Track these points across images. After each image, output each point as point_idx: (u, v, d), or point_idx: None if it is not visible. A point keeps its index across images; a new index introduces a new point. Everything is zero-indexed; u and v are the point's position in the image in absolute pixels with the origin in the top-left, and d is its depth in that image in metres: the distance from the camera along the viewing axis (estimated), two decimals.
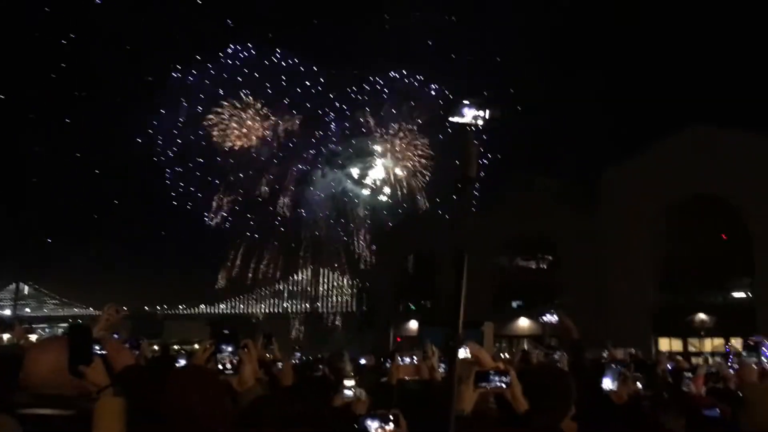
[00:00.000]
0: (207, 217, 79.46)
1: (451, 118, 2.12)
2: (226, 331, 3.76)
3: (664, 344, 39.27)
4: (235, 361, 3.65)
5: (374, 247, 69.87)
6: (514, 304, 45.83)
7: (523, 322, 44.58)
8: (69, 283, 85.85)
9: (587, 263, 40.82)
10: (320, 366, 9.76)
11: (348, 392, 4.50)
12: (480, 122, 2.14)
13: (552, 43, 79.40)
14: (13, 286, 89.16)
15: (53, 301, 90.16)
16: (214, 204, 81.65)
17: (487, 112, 2.14)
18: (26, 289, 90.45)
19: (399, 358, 6.05)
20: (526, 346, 35.89)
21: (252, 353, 3.81)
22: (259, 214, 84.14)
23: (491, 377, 3.66)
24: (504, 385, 3.67)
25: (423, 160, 71.28)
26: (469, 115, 2.14)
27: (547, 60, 79.41)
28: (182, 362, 6.36)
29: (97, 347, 3.16)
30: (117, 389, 2.97)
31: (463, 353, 4.46)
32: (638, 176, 39.80)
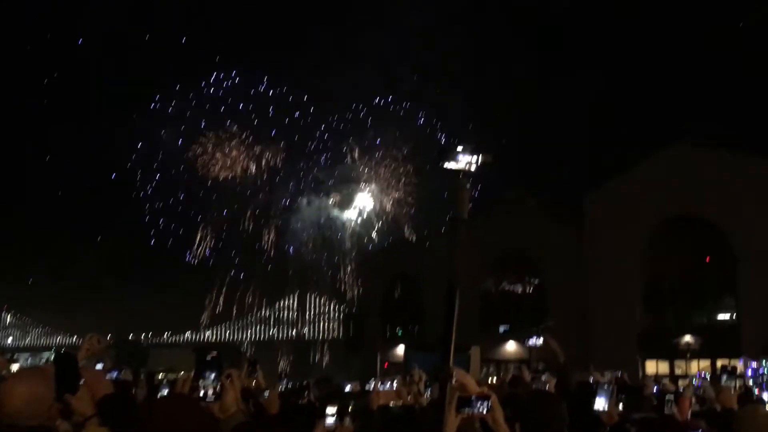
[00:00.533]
0: (190, 254, 79.50)
1: (444, 165, 2.20)
2: (208, 358, 3.76)
3: (651, 366, 39.34)
4: (217, 388, 3.65)
5: (358, 273, 69.91)
6: (501, 329, 45.79)
7: (510, 347, 44.53)
8: (52, 312, 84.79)
9: (573, 285, 40.92)
10: (306, 393, 9.74)
11: (330, 419, 4.53)
12: (473, 168, 2.22)
13: (539, 60, 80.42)
14: None
15: (36, 330, 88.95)
16: (198, 238, 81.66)
17: (480, 157, 2.23)
18: (8, 319, 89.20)
19: (379, 384, 6.09)
20: (512, 371, 35.95)
21: (234, 381, 3.81)
22: (243, 247, 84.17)
23: (473, 402, 3.73)
24: (486, 410, 3.74)
25: (407, 188, 71.73)
26: (462, 161, 2.22)
27: (534, 78, 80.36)
28: (165, 391, 6.33)
29: None
30: (100, 419, 2.99)
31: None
32: (622, 197, 40.13)
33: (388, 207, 78.99)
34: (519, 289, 47.12)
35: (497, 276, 46.68)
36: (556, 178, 70.07)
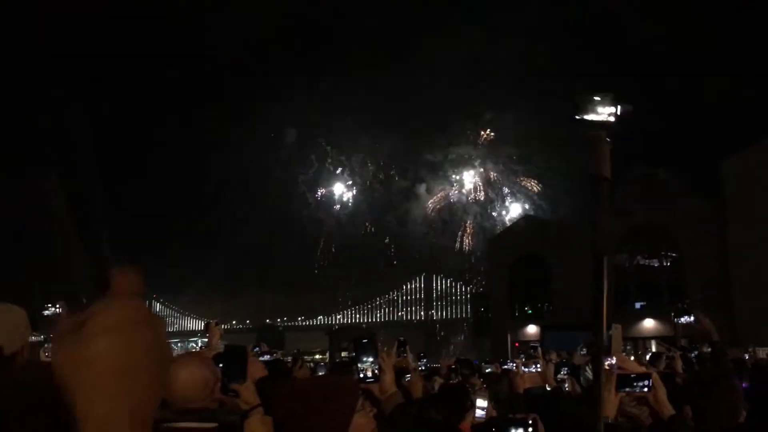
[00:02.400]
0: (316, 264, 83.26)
1: (580, 116, 2.02)
2: (365, 341, 3.79)
3: None
4: (375, 370, 3.69)
5: (484, 254, 69.34)
6: (638, 305, 43.93)
7: (648, 323, 42.65)
8: (194, 300, 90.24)
9: (713, 258, 38.66)
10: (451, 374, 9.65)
11: (480, 412, 4.39)
12: (612, 119, 2.02)
13: (669, 27, 75.90)
14: (146, 304, 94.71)
15: (182, 318, 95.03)
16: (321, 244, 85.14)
17: (619, 108, 2.03)
18: (157, 307, 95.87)
19: (522, 368, 5.92)
20: (654, 348, 34.25)
21: (389, 362, 3.84)
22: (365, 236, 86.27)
23: (634, 382, 3.54)
24: (647, 389, 3.54)
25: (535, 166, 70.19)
26: (601, 111, 2.03)
27: (665, 45, 76.09)
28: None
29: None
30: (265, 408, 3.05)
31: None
32: (762, 163, 37.32)
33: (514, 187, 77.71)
34: (655, 263, 44.97)
35: (631, 251, 44.78)
36: (691, 147, 66.01)
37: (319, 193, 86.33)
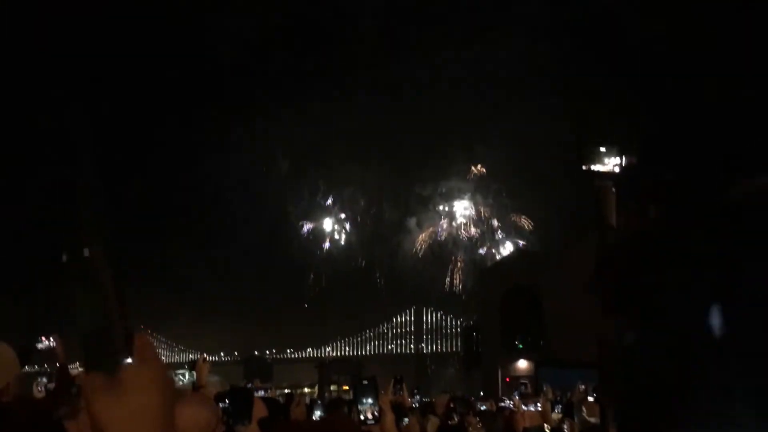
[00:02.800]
0: (306, 296, 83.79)
1: (587, 166, 2.04)
2: (365, 382, 3.77)
3: None
4: (376, 412, 3.66)
5: (475, 286, 69.36)
6: None
7: None
8: (181, 332, 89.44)
9: None
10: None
11: None
12: (617, 170, 2.04)
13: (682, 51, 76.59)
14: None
15: (169, 349, 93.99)
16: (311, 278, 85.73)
17: (624, 159, 2.05)
18: None
19: (522, 406, 5.86)
20: None
21: (389, 403, 3.82)
22: (357, 267, 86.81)
23: None
24: None
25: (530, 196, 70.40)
26: (607, 163, 2.05)
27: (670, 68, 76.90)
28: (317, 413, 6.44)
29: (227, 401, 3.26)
30: None
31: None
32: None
33: (507, 218, 78.07)
34: None
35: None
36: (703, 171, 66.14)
37: (307, 228, 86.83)
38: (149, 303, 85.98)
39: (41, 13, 77.60)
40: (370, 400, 3.67)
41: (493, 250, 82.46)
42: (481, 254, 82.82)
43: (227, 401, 3.04)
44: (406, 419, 5.13)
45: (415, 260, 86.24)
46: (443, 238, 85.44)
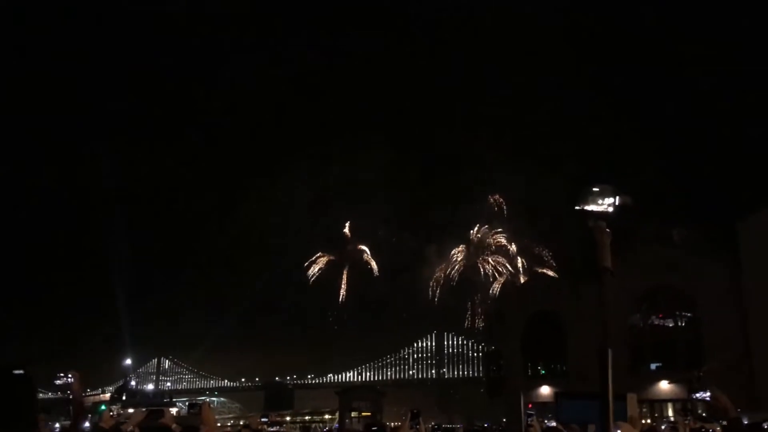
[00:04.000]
0: (330, 314, 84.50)
1: (580, 206, 2.01)
2: (374, 429, 3.73)
3: None
4: None
5: (497, 312, 68.82)
6: (653, 366, 43.01)
7: (664, 385, 41.67)
8: (203, 357, 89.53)
9: (731, 318, 37.94)
10: None
11: None
12: (611, 209, 2.01)
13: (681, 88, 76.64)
14: (154, 361, 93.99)
15: (190, 375, 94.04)
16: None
17: (618, 199, 2.02)
18: (166, 364, 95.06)
19: None
20: (671, 413, 33.46)
21: None
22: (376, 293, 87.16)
23: None
24: None
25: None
26: (600, 203, 2.02)
27: (677, 106, 76.70)
28: None
29: None
30: None
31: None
32: None
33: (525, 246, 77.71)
34: (670, 323, 44.22)
35: (645, 311, 44.09)
36: (702, 208, 65.64)
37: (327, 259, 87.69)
38: (173, 331, 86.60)
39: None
40: None
41: (513, 278, 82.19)
42: (501, 281, 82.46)
43: None
44: None
45: (436, 287, 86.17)
46: (462, 266, 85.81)
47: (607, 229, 2.05)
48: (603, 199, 2.06)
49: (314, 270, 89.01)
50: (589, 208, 2.05)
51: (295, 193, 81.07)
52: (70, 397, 6.26)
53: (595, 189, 2.07)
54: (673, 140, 72.26)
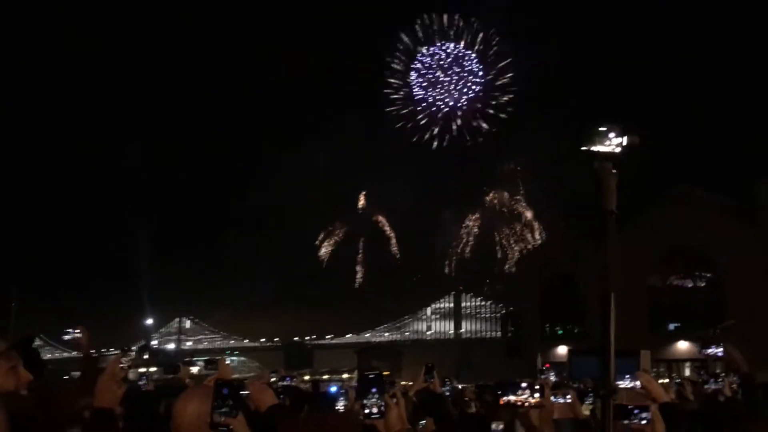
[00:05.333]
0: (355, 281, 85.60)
1: (586, 147, 1.92)
2: (371, 375, 3.70)
3: None
4: (381, 406, 3.59)
5: (515, 272, 68.90)
6: (671, 326, 43.01)
7: (683, 345, 41.70)
8: (225, 317, 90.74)
9: (752, 278, 37.71)
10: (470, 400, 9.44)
11: None
12: (618, 150, 1.92)
13: (698, 47, 75.20)
14: (176, 321, 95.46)
15: (212, 335, 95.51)
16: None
17: (626, 139, 1.93)
18: (188, 324, 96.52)
19: (552, 396, 5.67)
20: (687, 372, 33.44)
21: (399, 400, 3.72)
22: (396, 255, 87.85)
23: (632, 413, 3.51)
24: (645, 422, 3.50)
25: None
26: (607, 143, 1.93)
27: (696, 66, 75.23)
28: (333, 389, 6.34)
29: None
30: None
31: (625, 384, 4.18)
32: None
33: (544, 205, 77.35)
34: (689, 284, 44.05)
35: (664, 272, 43.92)
36: (723, 167, 64.74)
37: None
38: (194, 291, 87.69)
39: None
40: (375, 393, 3.59)
41: (529, 235, 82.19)
42: (515, 249, 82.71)
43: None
44: (422, 422, 4.99)
45: (453, 257, 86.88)
46: (476, 236, 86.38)
47: (614, 171, 1.97)
48: (610, 139, 1.97)
49: (329, 244, 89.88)
50: (595, 148, 1.97)
51: (313, 157, 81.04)
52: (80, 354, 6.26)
53: (601, 129, 1.98)
54: (693, 97, 70.89)
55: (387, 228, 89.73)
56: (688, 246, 41.47)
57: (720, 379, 8.62)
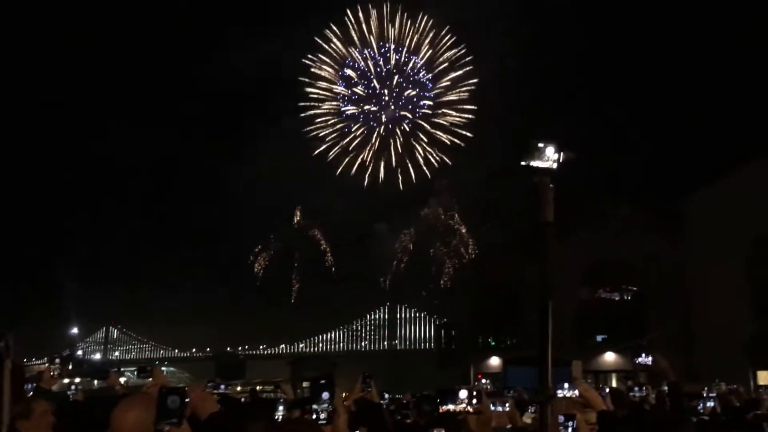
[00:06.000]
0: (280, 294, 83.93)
1: (524, 162, 2.02)
2: (322, 381, 3.73)
3: (764, 377, 37.01)
4: (329, 411, 3.62)
5: (449, 283, 69.66)
6: (599, 338, 44.28)
7: (609, 357, 42.97)
8: (153, 327, 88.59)
9: (674, 293, 39.21)
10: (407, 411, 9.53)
11: None
12: (555, 166, 2.02)
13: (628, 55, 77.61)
14: (102, 331, 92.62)
15: (141, 345, 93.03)
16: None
17: (562, 155, 2.03)
18: (115, 333, 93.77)
19: (491, 405, 5.79)
20: (614, 383, 34.50)
21: (343, 405, 3.77)
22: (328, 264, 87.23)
23: (560, 422, 3.64)
24: (571, 429, 3.63)
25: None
26: (544, 158, 2.02)
27: (625, 78, 77.79)
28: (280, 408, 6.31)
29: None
30: None
31: (564, 393, 4.32)
32: (726, 201, 38.10)
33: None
34: (616, 297, 45.47)
35: (592, 285, 45.21)
36: (653, 184, 67.14)
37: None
38: (121, 299, 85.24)
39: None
40: (326, 399, 3.63)
41: (463, 250, 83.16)
42: (455, 253, 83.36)
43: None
44: None
45: (388, 261, 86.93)
46: (412, 245, 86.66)
47: (551, 185, 2.07)
48: (547, 155, 2.07)
49: (263, 257, 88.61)
50: (534, 163, 2.06)
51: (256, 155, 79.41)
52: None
53: (539, 144, 2.08)
54: (619, 114, 73.31)
55: (322, 241, 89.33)
56: (616, 260, 42.79)
57: (644, 388, 8.99)
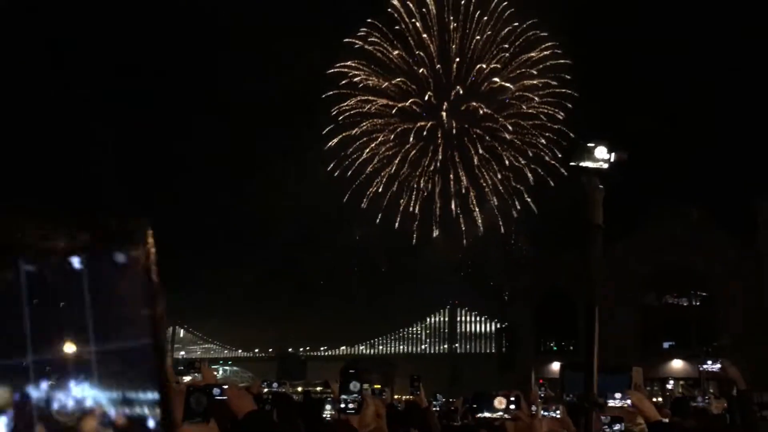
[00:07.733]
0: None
1: (574, 162, 1.98)
2: (351, 371, 3.75)
3: None
4: (359, 401, 3.63)
5: (511, 288, 68.83)
6: (665, 345, 42.99)
7: (677, 364, 41.66)
8: (219, 327, 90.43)
9: (747, 297, 37.80)
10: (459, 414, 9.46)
11: None
12: (605, 166, 1.98)
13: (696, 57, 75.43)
14: (169, 330, 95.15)
15: (206, 345, 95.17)
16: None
17: (613, 155, 1.98)
18: (181, 333, 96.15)
19: (541, 410, 5.69)
20: (681, 391, 33.44)
21: (369, 400, 3.75)
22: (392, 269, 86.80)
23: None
24: None
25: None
26: (595, 159, 1.98)
27: (694, 78, 75.57)
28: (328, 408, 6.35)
29: (217, 391, 3.24)
30: None
31: (617, 402, 4.22)
32: None
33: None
34: (684, 302, 44.08)
35: (658, 290, 43.96)
36: (718, 184, 64.92)
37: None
38: (187, 301, 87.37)
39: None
40: (355, 389, 3.64)
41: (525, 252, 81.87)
42: (515, 255, 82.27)
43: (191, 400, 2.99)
44: None
45: (448, 264, 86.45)
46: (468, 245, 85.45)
47: (600, 186, 2.02)
48: (597, 155, 2.02)
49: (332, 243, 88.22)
50: (583, 164, 2.02)
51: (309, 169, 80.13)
52: None
53: (589, 144, 2.03)
54: (688, 115, 71.21)
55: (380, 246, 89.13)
56: (683, 264, 41.54)
57: (707, 397, 8.65)
